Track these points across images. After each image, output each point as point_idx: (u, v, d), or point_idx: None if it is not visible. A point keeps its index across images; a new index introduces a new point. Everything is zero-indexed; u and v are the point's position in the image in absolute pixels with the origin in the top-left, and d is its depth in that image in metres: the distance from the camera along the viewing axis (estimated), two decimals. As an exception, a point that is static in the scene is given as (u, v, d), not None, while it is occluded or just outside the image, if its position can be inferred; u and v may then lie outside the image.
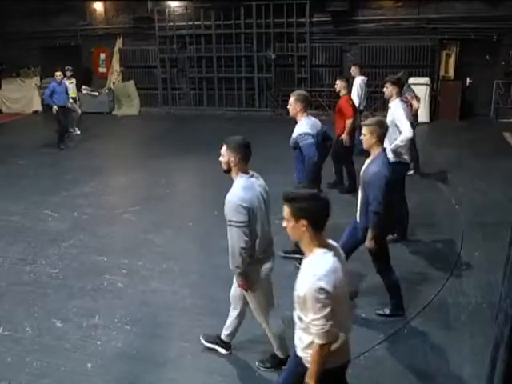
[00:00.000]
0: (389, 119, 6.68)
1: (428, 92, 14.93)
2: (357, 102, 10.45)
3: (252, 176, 4.30)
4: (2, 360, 5.14)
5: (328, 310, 2.97)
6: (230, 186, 4.26)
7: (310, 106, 6.31)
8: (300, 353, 3.29)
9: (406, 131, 6.58)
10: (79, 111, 14.80)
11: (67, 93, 13.54)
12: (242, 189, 4.14)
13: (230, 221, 4.12)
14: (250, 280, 4.31)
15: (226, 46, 16.96)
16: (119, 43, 18.12)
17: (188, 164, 11.54)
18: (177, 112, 17.79)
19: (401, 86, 7.20)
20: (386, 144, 6.24)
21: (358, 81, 10.98)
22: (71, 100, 14.17)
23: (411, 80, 14.78)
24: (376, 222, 4.98)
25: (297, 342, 3.30)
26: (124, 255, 7.15)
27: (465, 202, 8.67)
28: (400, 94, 7.13)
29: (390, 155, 6.26)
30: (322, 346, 3.05)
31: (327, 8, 15.58)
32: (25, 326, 5.64)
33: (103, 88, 17.92)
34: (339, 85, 9.06)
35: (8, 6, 18.26)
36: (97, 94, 17.69)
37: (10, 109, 18.85)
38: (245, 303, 4.66)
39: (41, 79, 18.85)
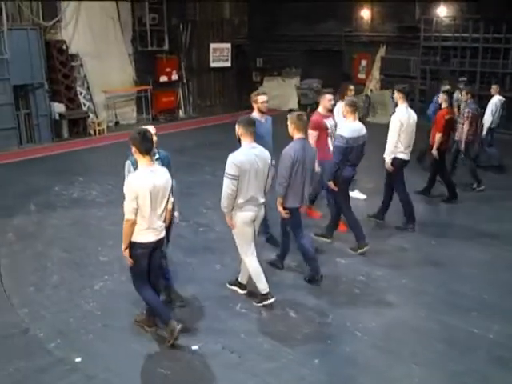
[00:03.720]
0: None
1: None
2: (489, 120, 10.92)
3: (254, 148, 5.66)
4: (235, 333, 5.51)
5: (129, 200, 4.80)
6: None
7: (356, 110, 7.17)
8: None
9: (388, 144, 7.82)
10: None
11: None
12: (240, 153, 5.60)
13: (225, 172, 5.56)
14: (234, 221, 5.75)
15: (493, 61, 15.86)
16: (382, 51, 18.10)
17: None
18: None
19: (406, 94, 7.91)
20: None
21: (495, 100, 11.05)
22: None
23: None
24: (280, 192, 6.09)
25: None
26: (365, 262, 7.07)
27: None
28: (406, 101, 7.89)
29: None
30: (125, 221, 4.88)
31: None
32: (260, 309, 5.92)
33: (360, 94, 18.06)
34: (441, 98, 9.45)
35: (279, 12, 19.57)
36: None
37: (269, 105, 20.06)
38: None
39: (300, 80, 19.74)
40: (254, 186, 5.67)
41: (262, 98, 7.37)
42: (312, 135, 7.77)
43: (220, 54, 19.49)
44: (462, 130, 9.64)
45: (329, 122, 7.95)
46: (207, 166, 11.03)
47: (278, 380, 4.82)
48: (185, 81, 18.75)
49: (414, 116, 7.97)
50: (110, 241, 7.67)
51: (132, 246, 4.98)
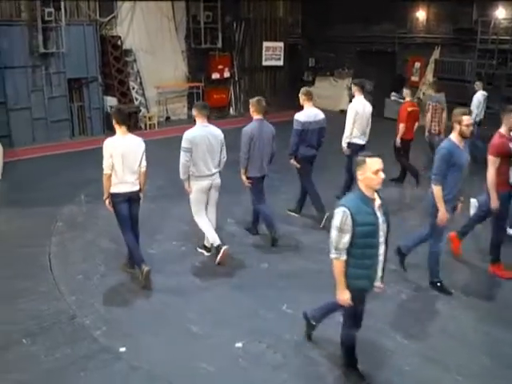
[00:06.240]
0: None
1: None
2: (474, 113, 10.99)
3: (206, 126, 6.76)
4: (280, 333, 5.43)
5: (106, 158, 6.11)
6: None
7: (311, 98, 8.11)
8: None
9: (345, 131, 8.95)
10: None
11: None
12: (193, 130, 6.70)
13: (181, 146, 6.66)
14: (190, 188, 6.87)
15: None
16: (436, 53, 17.71)
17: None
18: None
19: (361, 87, 9.07)
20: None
21: (478, 95, 12.32)
22: None
23: None
24: (241, 163, 7.31)
25: None
26: (416, 271, 6.80)
27: None
28: (362, 93, 9.00)
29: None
30: (103, 174, 6.15)
31: None
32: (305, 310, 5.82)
33: (413, 97, 17.70)
34: (404, 92, 11.00)
35: (332, 12, 19.42)
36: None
37: (319, 104, 19.96)
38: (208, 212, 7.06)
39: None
40: (208, 159, 6.74)
41: (468, 120, 5.83)
42: (492, 162, 6.31)
43: (272, 53, 19.47)
44: (426, 120, 11.12)
45: None
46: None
47: None
48: (237, 78, 18.81)
49: (368, 106, 9.06)
50: (158, 235, 7.82)
51: (111, 196, 6.25)
